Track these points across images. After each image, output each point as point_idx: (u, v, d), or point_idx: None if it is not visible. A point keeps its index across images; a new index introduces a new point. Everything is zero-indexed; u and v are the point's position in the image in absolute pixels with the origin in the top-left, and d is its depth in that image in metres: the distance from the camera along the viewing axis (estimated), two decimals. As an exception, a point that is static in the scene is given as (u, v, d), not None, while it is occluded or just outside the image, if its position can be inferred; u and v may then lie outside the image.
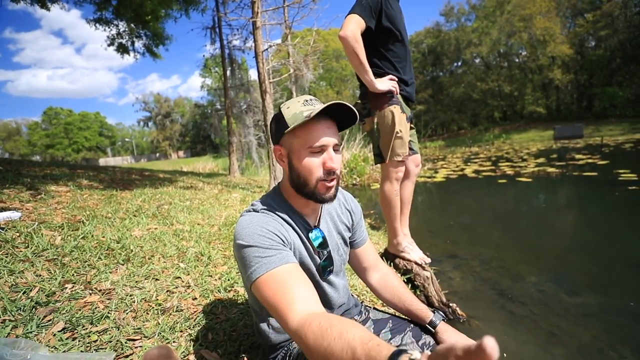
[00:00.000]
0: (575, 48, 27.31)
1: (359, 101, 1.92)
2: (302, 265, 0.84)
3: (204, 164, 18.02)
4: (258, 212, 0.83)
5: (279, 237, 0.77)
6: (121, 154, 60.09)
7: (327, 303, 0.93)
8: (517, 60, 31.00)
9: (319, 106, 0.76)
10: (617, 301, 1.73)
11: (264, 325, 0.90)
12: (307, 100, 0.80)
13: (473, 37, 30.77)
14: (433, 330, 0.91)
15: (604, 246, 2.51)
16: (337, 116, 0.81)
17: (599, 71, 26.25)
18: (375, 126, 1.84)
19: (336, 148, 0.80)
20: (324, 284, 0.92)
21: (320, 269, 0.89)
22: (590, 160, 7.55)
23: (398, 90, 1.79)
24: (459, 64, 34.77)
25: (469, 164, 9.71)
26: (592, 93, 26.25)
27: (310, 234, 0.87)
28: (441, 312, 0.96)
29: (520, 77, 30.20)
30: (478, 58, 32.62)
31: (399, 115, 1.77)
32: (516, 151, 13.28)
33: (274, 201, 0.87)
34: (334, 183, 0.82)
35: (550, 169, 6.73)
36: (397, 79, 1.80)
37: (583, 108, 27.55)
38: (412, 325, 0.94)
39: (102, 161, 44.04)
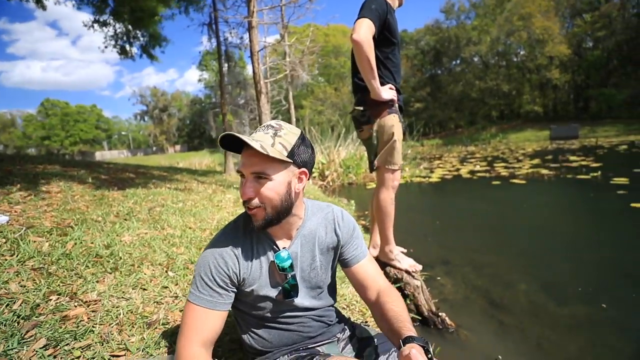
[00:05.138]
0: (573, 48, 27.44)
1: (357, 108, 1.89)
2: (259, 289, 0.86)
3: (200, 159, 17.95)
4: (228, 233, 0.86)
5: (223, 276, 0.82)
6: (117, 147, 59.70)
7: (292, 323, 0.91)
8: (515, 59, 31.11)
9: (244, 136, 0.75)
10: (604, 312, 1.75)
11: (245, 337, 0.95)
12: (262, 127, 0.80)
13: (473, 35, 30.80)
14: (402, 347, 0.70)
15: (595, 254, 2.53)
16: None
17: (596, 72, 26.41)
18: (375, 134, 1.83)
19: (262, 176, 0.76)
20: (286, 308, 0.90)
21: (283, 291, 0.87)
22: (584, 162, 7.60)
23: (396, 100, 1.80)
24: (458, 61, 34.79)
25: (464, 163, 9.74)
26: (589, 94, 26.38)
27: (277, 256, 0.85)
28: (423, 339, 0.70)
29: (518, 77, 30.35)
30: (477, 57, 32.68)
31: (398, 125, 1.78)
32: (512, 151, 13.34)
33: (246, 221, 0.88)
34: (254, 212, 0.78)
35: (544, 171, 6.77)
36: (395, 88, 1.81)
37: (579, 108, 27.74)
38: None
39: (99, 154, 43.68)
